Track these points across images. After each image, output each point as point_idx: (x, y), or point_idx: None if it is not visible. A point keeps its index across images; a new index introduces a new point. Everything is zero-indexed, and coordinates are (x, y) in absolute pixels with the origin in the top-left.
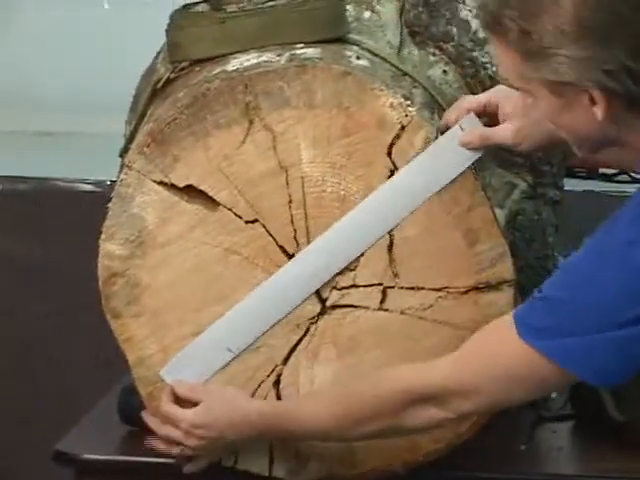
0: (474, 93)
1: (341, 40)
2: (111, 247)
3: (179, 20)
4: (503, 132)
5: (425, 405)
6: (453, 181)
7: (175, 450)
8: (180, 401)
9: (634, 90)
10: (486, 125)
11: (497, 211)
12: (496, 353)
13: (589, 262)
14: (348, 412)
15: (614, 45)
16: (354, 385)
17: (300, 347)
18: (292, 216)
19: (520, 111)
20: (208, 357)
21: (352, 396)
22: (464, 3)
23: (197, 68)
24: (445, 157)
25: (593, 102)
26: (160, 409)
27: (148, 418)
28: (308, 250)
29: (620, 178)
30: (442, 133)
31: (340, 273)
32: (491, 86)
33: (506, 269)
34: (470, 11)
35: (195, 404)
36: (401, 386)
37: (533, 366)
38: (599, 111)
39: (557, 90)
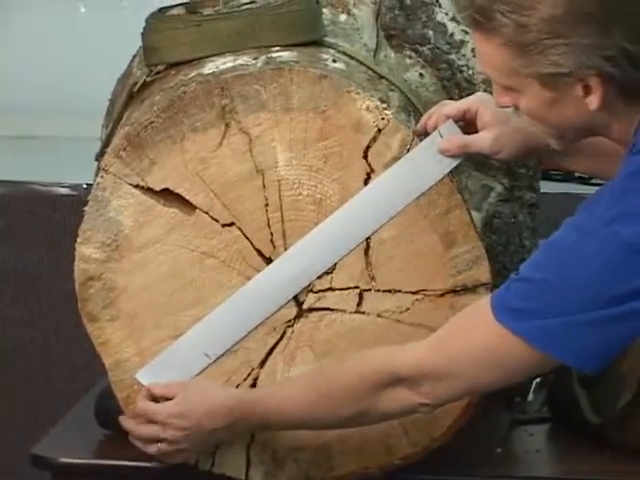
0: (451, 96)
1: (317, 43)
2: (87, 251)
3: (155, 24)
4: (481, 140)
5: (399, 387)
6: (432, 188)
7: (152, 448)
8: (156, 401)
9: (632, 74)
10: (464, 132)
11: (474, 214)
12: (472, 336)
13: (571, 242)
14: (324, 395)
15: (613, 29)
16: (330, 369)
17: (277, 350)
18: (269, 219)
19: (499, 119)
20: (185, 362)
21: (327, 379)
22: (440, 6)
23: (173, 71)
24: (424, 164)
25: (587, 92)
26: (136, 408)
27: (124, 421)
28: (286, 256)
29: (596, 181)
30: (419, 137)
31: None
32: (467, 89)
33: (483, 272)
34: (446, 14)
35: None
36: (375, 367)
37: (510, 349)
38: (595, 100)
39: (550, 83)
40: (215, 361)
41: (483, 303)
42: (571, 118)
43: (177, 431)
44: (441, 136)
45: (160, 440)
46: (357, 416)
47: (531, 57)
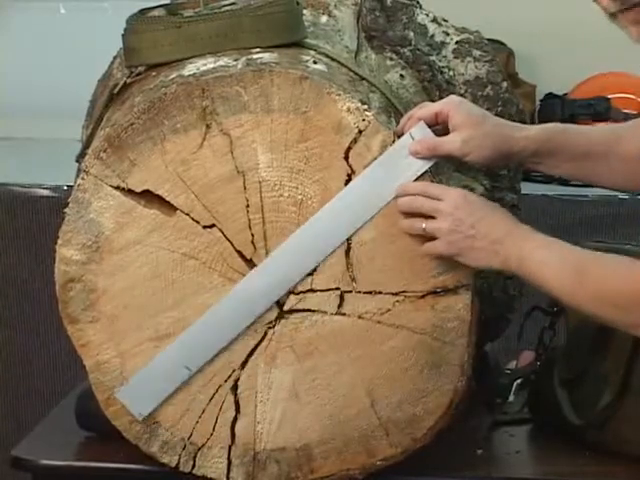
0: (431, 98)
1: (298, 44)
2: (68, 252)
3: (135, 25)
4: (451, 143)
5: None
6: None
7: (418, 224)
8: None
9: None
10: (439, 134)
11: None
12: None
13: None
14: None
15: None
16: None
17: (258, 352)
18: (250, 221)
19: (469, 122)
20: (166, 377)
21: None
22: (421, 8)
23: (154, 73)
24: (397, 165)
25: None
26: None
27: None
28: (266, 263)
29: (577, 182)
30: (399, 138)
31: None
32: (448, 90)
33: (463, 273)
34: (427, 15)
35: None
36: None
37: None
38: None
39: None
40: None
41: None
42: None
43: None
44: (412, 138)
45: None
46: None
47: None
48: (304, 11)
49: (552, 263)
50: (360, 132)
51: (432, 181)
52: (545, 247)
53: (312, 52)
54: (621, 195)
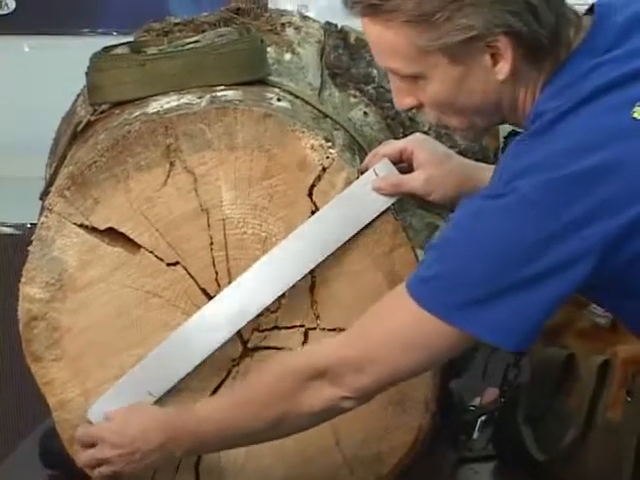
0: (395, 135)
1: (262, 82)
2: (31, 290)
3: (99, 63)
4: (414, 180)
5: (320, 382)
6: (369, 225)
7: (94, 472)
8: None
9: (537, 29)
10: (404, 172)
11: (419, 252)
12: (389, 318)
13: (476, 207)
14: (248, 399)
15: None
16: (253, 374)
17: (222, 389)
18: (213, 258)
19: (433, 160)
20: (130, 401)
21: (250, 384)
22: None
23: (117, 111)
24: (360, 201)
25: (495, 61)
26: (76, 432)
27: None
28: (227, 292)
29: None
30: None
31: (262, 315)
32: (411, 127)
33: None
34: None
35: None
36: (295, 364)
37: (425, 327)
38: (504, 66)
39: (458, 54)
40: (160, 399)
41: (401, 284)
42: (479, 95)
43: (112, 449)
44: (376, 174)
45: (99, 463)
46: (281, 418)
47: (438, 27)
48: (268, 49)
49: (223, 409)
50: (324, 169)
51: (396, 220)
52: (201, 408)
53: (276, 89)
54: None
